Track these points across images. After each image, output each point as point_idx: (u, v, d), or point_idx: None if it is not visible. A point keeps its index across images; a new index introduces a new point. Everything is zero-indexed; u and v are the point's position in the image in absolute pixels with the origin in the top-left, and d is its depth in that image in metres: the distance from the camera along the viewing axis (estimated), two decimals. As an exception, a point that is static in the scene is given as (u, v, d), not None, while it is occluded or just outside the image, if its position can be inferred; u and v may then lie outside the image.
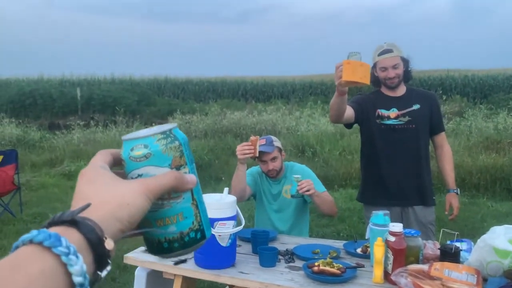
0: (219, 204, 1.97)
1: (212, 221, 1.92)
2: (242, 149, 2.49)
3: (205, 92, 22.98)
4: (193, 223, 0.51)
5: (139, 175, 0.49)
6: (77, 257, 0.36)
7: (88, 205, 0.41)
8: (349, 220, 5.10)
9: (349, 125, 2.79)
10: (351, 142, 8.01)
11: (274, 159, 2.68)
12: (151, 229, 0.51)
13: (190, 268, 2.02)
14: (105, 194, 0.44)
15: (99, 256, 0.40)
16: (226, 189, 2.09)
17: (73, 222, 0.39)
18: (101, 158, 0.49)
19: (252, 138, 2.52)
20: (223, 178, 7.42)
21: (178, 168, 0.50)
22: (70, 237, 0.38)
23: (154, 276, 2.16)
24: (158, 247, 0.51)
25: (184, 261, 2.06)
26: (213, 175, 7.64)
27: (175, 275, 2.04)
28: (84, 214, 0.40)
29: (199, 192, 0.53)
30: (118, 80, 24.70)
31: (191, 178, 0.50)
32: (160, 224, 0.50)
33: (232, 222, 1.97)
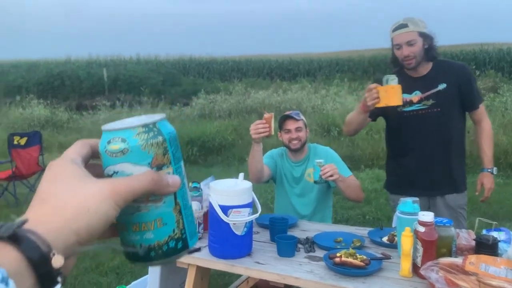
0: (234, 190, 1.84)
1: (226, 209, 1.80)
2: (256, 128, 2.33)
3: (230, 71, 22.81)
4: (173, 231, 0.45)
5: (115, 173, 0.43)
6: (6, 284, 0.30)
7: (24, 222, 0.35)
8: (375, 202, 4.92)
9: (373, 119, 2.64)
10: (378, 120, 7.73)
11: (299, 129, 2.53)
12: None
13: (204, 258, 1.92)
14: (65, 196, 0.38)
15: (44, 277, 0.34)
16: (241, 175, 1.96)
17: (12, 238, 0.33)
18: (76, 150, 0.44)
19: (266, 115, 2.35)
20: (246, 159, 7.33)
21: (159, 167, 0.44)
22: (5, 257, 0.32)
23: (168, 266, 2.09)
24: (133, 255, 0.46)
25: (198, 249, 1.97)
26: (237, 156, 7.56)
27: (188, 264, 1.95)
28: (29, 225, 0.34)
29: (184, 196, 0.47)
30: (144, 60, 24.80)
31: (174, 180, 0.44)
32: (136, 230, 0.45)
33: (247, 210, 1.84)
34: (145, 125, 0.44)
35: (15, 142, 5.18)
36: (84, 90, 19.49)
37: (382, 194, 5.03)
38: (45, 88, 19.16)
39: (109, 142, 0.44)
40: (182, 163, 0.47)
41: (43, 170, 5.69)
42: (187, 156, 7.54)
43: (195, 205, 2.07)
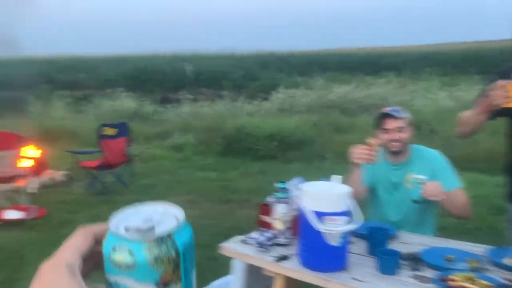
0: (330, 195, 1.62)
1: (321, 215, 1.59)
2: (360, 153, 2.09)
3: (310, 66, 22.42)
4: None
5: (116, 285, 0.39)
6: None
7: None
8: (476, 210, 4.39)
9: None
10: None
11: (400, 129, 2.23)
12: None
13: (294, 268, 1.72)
14: None
15: None
16: (338, 177, 1.73)
17: None
18: (76, 248, 0.41)
19: (372, 141, 2.09)
20: (326, 157, 7.03)
21: (166, 284, 0.40)
22: None
23: (253, 268, 1.92)
24: None
25: (286, 257, 1.77)
26: (316, 153, 7.28)
27: (276, 273, 1.76)
28: None
29: None
30: (224, 56, 25.25)
31: None
32: None
33: (344, 218, 1.61)
34: (158, 240, 0.39)
35: (105, 133, 5.39)
36: (168, 83, 20.33)
37: (484, 202, 4.51)
38: (133, 81, 20.25)
39: (114, 249, 0.39)
40: (193, 272, 0.43)
41: (129, 160, 5.91)
42: (266, 150, 7.43)
43: (282, 207, 1.88)
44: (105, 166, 5.45)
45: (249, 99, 13.43)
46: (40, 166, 4.94)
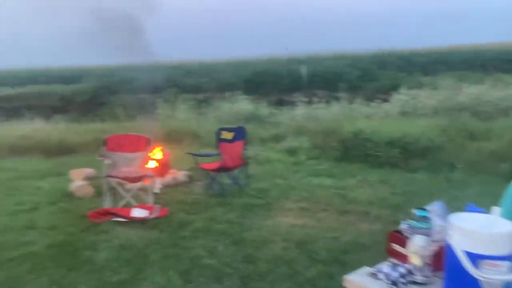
0: (488, 234, 1.28)
1: (476, 258, 1.26)
2: None
3: (434, 64, 20.70)
4: None
5: None
6: None
7: None
8: None
9: None
10: None
11: None
12: None
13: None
14: None
15: None
16: (496, 209, 1.37)
17: None
18: None
19: None
20: (457, 166, 6.28)
21: None
22: None
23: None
24: None
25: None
26: (445, 161, 6.55)
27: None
28: None
29: None
30: (340, 56, 24.62)
31: None
32: None
33: (507, 264, 1.26)
34: None
35: (223, 137, 5.49)
36: (283, 86, 20.51)
37: None
38: (250, 84, 20.84)
39: None
40: None
41: (245, 163, 5.95)
42: (387, 157, 6.92)
43: (421, 240, 1.57)
44: (224, 168, 5.55)
45: (367, 100, 12.80)
46: (164, 167, 5.21)
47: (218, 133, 5.45)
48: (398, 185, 5.81)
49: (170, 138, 9.84)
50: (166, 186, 6.13)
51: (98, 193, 5.36)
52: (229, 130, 5.56)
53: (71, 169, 6.56)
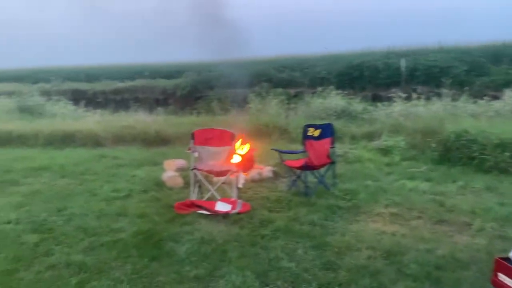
0: None
1: None
2: None
3: (559, 57, 18.20)
4: None
5: None
6: None
7: None
8: None
9: None
10: None
11: None
12: None
13: None
14: None
15: None
16: None
17: None
18: None
19: None
20: None
21: None
22: None
23: None
24: None
25: None
26: None
27: None
28: None
29: None
30: (447, 48, 22.74)
31: None
32: None
33: None
34: None
35: (309, 134, 5.28)
36: (380, 80, 19.53)
37: None
38: (344, 79, 20.18)
39: None
40: None
41: (333, 162, 5.69)
42: (495, 162, 6.15)
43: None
44: (309, 167, 5.35)
45: (474, 98, 11.61)
46: (248, 162, 5.16)
47: (304, 130, 5.25)
48: (508, 194, 5.12)
49: (260, 132, 9.86)
50: (251, 181, 6.11)
51: (188, 184, 5.49)
52: (316, 127, 5.33)
53: (165, 159, 6.86)
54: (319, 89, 14.11)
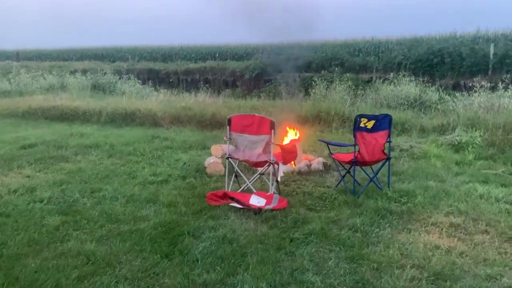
0: None
1: None
2: None
3: None
4: None
5: None
6: None
7: None
8: None
9: None
10: None
11: None
12: None
13: None
14: None
15: None
16: None
17: None
18: None
19: None
20: None
21: None
22: None
23: None
24: None
25: None
26: None
27: None
28: None
29: None
30: (546, 33, 20.11)
31: None
32: None
33: None
34: None
35: (362, 125, 4.64)
36: (464, 68, 17.74)
37: None
38: (424, 65, 18.60)
39: None
40: None
41: (388, 159, 5.00)
42: None
43: None
44: (359, 162, 4.73)
45: None
46: (290, 154, 4.66)
47: (356, 121, 4.62)
48: None
49: (319, 120, 9.26)
50: (298, 174, 5.61)
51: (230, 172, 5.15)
52: (370, 117, 4.66)
53: (215, 143, 6.58)
54: (391, 75, 13.04)
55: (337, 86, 12.05)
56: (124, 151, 6.81)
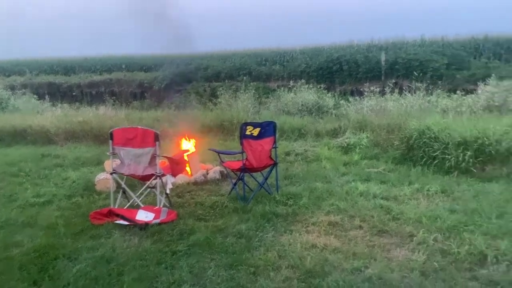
0: None
1: None
2: None
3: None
4: None
5: None
6: None
7: None
8: None
9: None
10: None
11: None
12: None
13: None
14: None
15: None
16: None
17: None
18: None
19: None
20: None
21: None
22: None
23: None
24: None
25: None
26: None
27: None
28: None
29: None
30: (429, 42, 22.35)
31: None
32: None
33: None
34: None
35: (248, 132, 4.76)
36: (360, 74, 19.07)
37: None
38: (324, 72, 19.69)
39: None
40: None
41: (275, 164, 5.18)
42: (456, 161, 5.69)
43: None
44: (247, 169, 4.84)
45: (449, 91, 11.18)
46: (178, 165, 4.63)
47: (242, 129, 4.73)
48: (462, 199, 4.67)
49: (222, 129, 9.34)
50: (194, 184, 5.60)
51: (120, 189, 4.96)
52: (256, 125, 4.81)
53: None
54: (291, 83, 13.61)
55: (241, 95, 12.28)
56: (8, 172, 6.30)
